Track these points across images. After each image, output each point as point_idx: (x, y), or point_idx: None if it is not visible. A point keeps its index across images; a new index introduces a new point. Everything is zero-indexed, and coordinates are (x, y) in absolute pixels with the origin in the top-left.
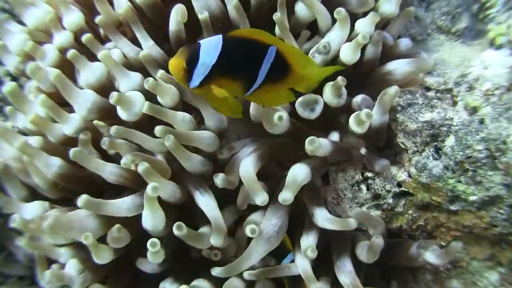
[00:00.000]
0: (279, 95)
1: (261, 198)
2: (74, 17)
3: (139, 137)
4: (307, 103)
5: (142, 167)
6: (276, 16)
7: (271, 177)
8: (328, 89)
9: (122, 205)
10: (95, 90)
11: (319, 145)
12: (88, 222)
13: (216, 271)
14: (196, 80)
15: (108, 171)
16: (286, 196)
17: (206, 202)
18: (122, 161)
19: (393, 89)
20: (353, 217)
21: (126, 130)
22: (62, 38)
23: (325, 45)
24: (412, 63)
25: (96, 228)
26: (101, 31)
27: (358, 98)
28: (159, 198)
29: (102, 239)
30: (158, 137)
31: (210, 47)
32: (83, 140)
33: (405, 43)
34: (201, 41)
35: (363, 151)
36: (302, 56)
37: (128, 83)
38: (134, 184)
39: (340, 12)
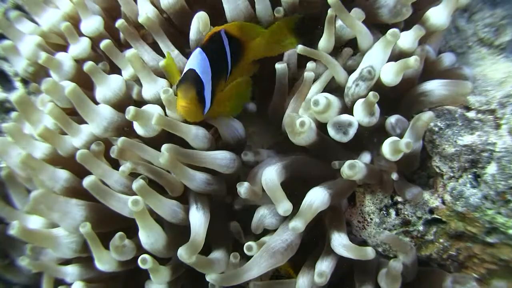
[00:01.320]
0: (244, 68)
1: (284, 207)
2: (93, 22)
3: (148, 152)
4: (340, 125)
5: (137, 185)
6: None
7: (294, 196)
8: (359, 106)
9: (125, 202)
10: (112, 105)
11: (359, 171)
12: (75, 211)
13: (211, 277)
14: (207, 101)
15: (114, 180)
16: (297, 224)
17: (197, 218)
18: (121, 169)
19: (427, 116)
20: (383, 241)
21: (133, 143)
22: (78, 48)
23: (370, 71)
24: (450, 86)
25: (81, 222)
26: (121, 35)
27: (392, 119)
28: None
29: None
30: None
31: (201, 64)
32: (95, 152)
33: (449, 58)
34: (188, 64)
35: (394, 176)
36: (246, 26)
37: (153, 88)
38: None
39: (387, 35)
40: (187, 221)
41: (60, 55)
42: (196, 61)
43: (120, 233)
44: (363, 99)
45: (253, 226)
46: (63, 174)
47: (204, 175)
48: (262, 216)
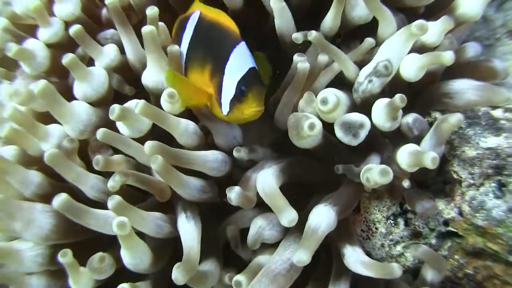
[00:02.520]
0: None
1: (288, 216)
2: (68, 5)
3: (132, 147)
4: (349, 126)
5: (113, 202)
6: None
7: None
8: (380, 109)
9: (105, 220)
10: (92, 103)
11: (391, 178)
12: (41, 218)
13: None
14: (225, 101)
15: (90, 185)
16: (302, 257)
17: (186, 229)
18: (109, 184)
19: (455, 118)
20: (417, 257)
21: (115, 136)
22: (49, 32)
23: (387, 66)
24: (482, 91)
25: (48, 230)
26: (103, 13)
27: (409, 118)
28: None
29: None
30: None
31: (252, 59)
32: (68, 150)
33: (474, 48)
34: (239, 61)
35: (405, 184)
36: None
37: (158, 76)
38: None
39: (412, 26)
40: (174, 234)
41: (31, 43)
42: (249, 56)
43: (100, 254)
44: (385, 101)
45: (250, 240)
46: (35, 178)
47: (198, 181)
48: (261, 228)
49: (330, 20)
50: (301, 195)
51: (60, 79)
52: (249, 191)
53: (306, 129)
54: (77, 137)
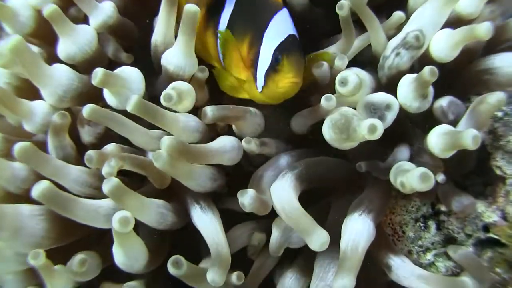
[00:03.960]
0: None
1: (319, 239)
2: None
3: (127, 126)
4: (374, 107)
5: (109, 185)
6: None
7: (313, 203)
8: (406, 85)
9: (96, 210)
10: (78, 65)
11: (411, 190)
12: (32, 224)
13: None
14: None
15: (73, 178)
16: (345, 284)
17: (206, 222)
18: (104, 170)
19: (495, 97)
20: (457, 260)
21: (105, 112)
22: None
23: (418, 36)
24: None
25: (41, 237)
26: None
27: (443, 101)
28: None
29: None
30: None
31: (293, 27)
32: (57, 127)
33: None
34: (276, 27)
35: (440, 178)
36: None
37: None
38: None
39: None
40: (178, 224)
41: (16, 2)
42: (290, 23)
43: (81, 257)
44: (411, 76)
45: (273, 245)
46: (20, 171)
47: (207, 169)
48: (287, 230)
49: None
50: (316, 193)
51: (48, 45)
52: (263, 194)
53: (365, 131)
54: (56, 104)
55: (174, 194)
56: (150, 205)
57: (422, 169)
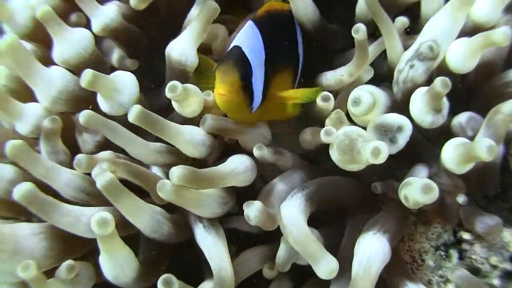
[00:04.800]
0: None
1: (327, 266)
2: None
3: (123, 135)
4: (385, 129)
5: (103, 180)
6: None
7: (327, 223)
8: (418, 98)
9: (77, 217)
10: (72, 69)
11: (436, 195)
12: (32, 244)
13: None
14: (258, 94)
15: (64, 181)
16: None
17: (210, 243)
18: (94, 172)
19: (509, 106)
20: (454, 280)
21: (101, 119)
22: None
23: (432, 46)
24: None
25: (43, 257)
26: None
27: (462, 117)
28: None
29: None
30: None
31: (250, 40)
32: (48, 131)
33: None
34: (234, 40)
35: (461, 199)
36: None
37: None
38: (102, 204)
39: None
40: (174, 237)
41: (16, 2)
42: (245, 36)
43: (68, 263)
44: (424, 89)
45: (280, 260)
46: (7, 173)
47: (216, 192)
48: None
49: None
50: (331, 212)
51: (46, 49)
52: (271, 208)
53: (368, 155)
54: (49, 105)
55: (176, 208)
56: (146, 208)
57: (425, 180)
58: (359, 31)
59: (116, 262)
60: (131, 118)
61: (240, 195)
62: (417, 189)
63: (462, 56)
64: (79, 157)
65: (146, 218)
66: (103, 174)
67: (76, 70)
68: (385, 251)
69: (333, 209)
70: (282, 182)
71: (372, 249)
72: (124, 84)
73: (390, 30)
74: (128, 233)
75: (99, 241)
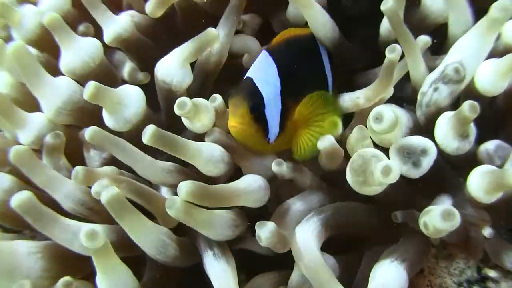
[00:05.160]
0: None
1: None
2: None
3: (130, 152)
4: (409, 151)
5: (107, 195)
6: (386, 4)
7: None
8: (444, 122)
9: (74, 232)
10: (79, 79)
11: (456, 223)
12: (28, 263)
13: None
14: (274, 124)
15: (65, 193)
16: None
17: (218, 272)
18: (94, 189)
19: None
20: None
21: (108, 136)
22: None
23: (458, 68)
24: None
25: (38, 276)
26: None
27: (490, 145)
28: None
29: None
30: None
31: (262, 71)
32: (49, 147)
33: None
34: (248, 72)
35: (487, 232)
36: None
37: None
38: (104, 221)
39: (491, 10)
40: (180, 261)
41: (26, 8)
42: (258, 67)
43: (66, 279)
44: (450, 113)
45: (293, 286)
46: (4, 182)
47: (228, 214)
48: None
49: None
50: (348, 240)
51: (54, 58)
52: (285, 229)
53: (379, 175)
54: (53, 116)
55: (185, 233)
56: (152, 228)
57: (445, 207)
58: (395, 51)
59: (111, 280)
60: (145, 139)
61: (253, 217)
62: (437, 215)
63: (492, 76)
64: (77, 168)
65: (151, 238)
66: (108, 189)
67: (83, 81)
68: (402, 280)
69: (351, 236)
70: (300, 202)
71: (388, 277)
72: (130, 97)
73: (414, 51)
74: (132, 254)
75: (93, 257)
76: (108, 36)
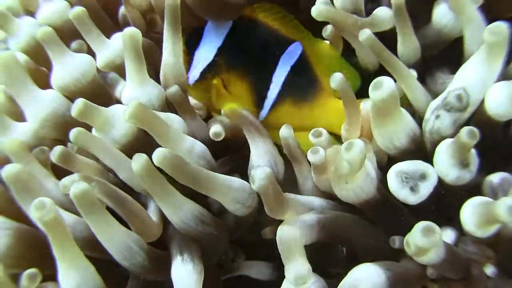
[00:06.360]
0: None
1: (297, 269)
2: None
3: (113, 155)
4: (407, 176)
5: (75, 189)
6: (363, 35)
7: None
8: (443, 149)
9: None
10: (70, 96)
11: (436, 244)
12: None
13: None
14: (196, 69)
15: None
16: None
17: (182, 275)
18: (62, 183)
19: None
20: None
21: (92, 138)
22: (49, 9)
23: (460, 95)
24: None
25: (1, 252)
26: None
27: (495, 177)
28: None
29: None
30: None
31: (218, 29)
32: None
33: None
34: (209, 23)
35: (489, 270)
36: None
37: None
38: None
39: (487, 33)
40: (148, 272)
41: (24, 19)
42: (220, 25)
43: (30, 271)
44: (450, 140)
45: None
46: None
47: (195, 206)
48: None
49: (401, 44)
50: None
51: (49, 70)
52: (295, 204)
53: (343, 151)
54: (37, 128)
55: (165, 247)
56: (119, 231)
57: (426, 223)
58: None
59: (71, 274)
60: (127, 113)
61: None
62: (417, 231)
63: (503, 99)
64: (55, 149)
65: (117, 242)
66: (78, 184)
67: (74, 97)
68: (379, 281)
69: (345, 247)
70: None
71: (363, 273)
72: (118, 117)
73: (406, 77)
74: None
75: (50, 240)
76: (101, 61)
